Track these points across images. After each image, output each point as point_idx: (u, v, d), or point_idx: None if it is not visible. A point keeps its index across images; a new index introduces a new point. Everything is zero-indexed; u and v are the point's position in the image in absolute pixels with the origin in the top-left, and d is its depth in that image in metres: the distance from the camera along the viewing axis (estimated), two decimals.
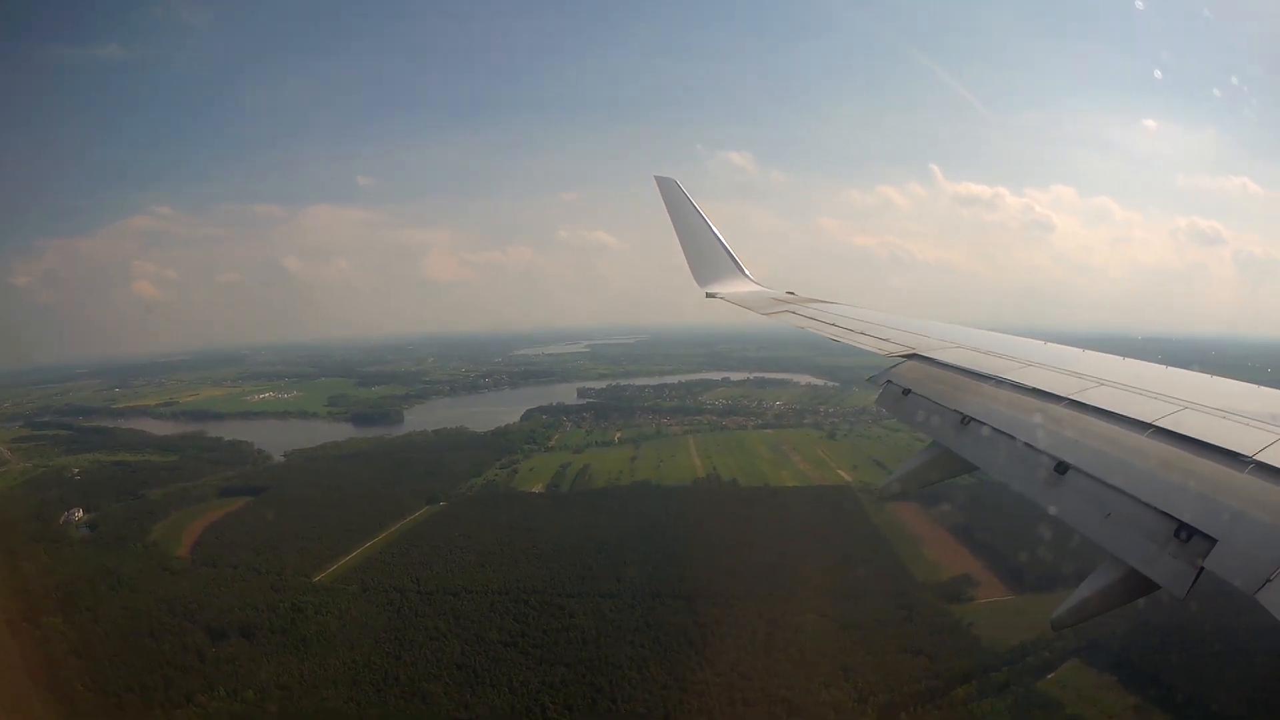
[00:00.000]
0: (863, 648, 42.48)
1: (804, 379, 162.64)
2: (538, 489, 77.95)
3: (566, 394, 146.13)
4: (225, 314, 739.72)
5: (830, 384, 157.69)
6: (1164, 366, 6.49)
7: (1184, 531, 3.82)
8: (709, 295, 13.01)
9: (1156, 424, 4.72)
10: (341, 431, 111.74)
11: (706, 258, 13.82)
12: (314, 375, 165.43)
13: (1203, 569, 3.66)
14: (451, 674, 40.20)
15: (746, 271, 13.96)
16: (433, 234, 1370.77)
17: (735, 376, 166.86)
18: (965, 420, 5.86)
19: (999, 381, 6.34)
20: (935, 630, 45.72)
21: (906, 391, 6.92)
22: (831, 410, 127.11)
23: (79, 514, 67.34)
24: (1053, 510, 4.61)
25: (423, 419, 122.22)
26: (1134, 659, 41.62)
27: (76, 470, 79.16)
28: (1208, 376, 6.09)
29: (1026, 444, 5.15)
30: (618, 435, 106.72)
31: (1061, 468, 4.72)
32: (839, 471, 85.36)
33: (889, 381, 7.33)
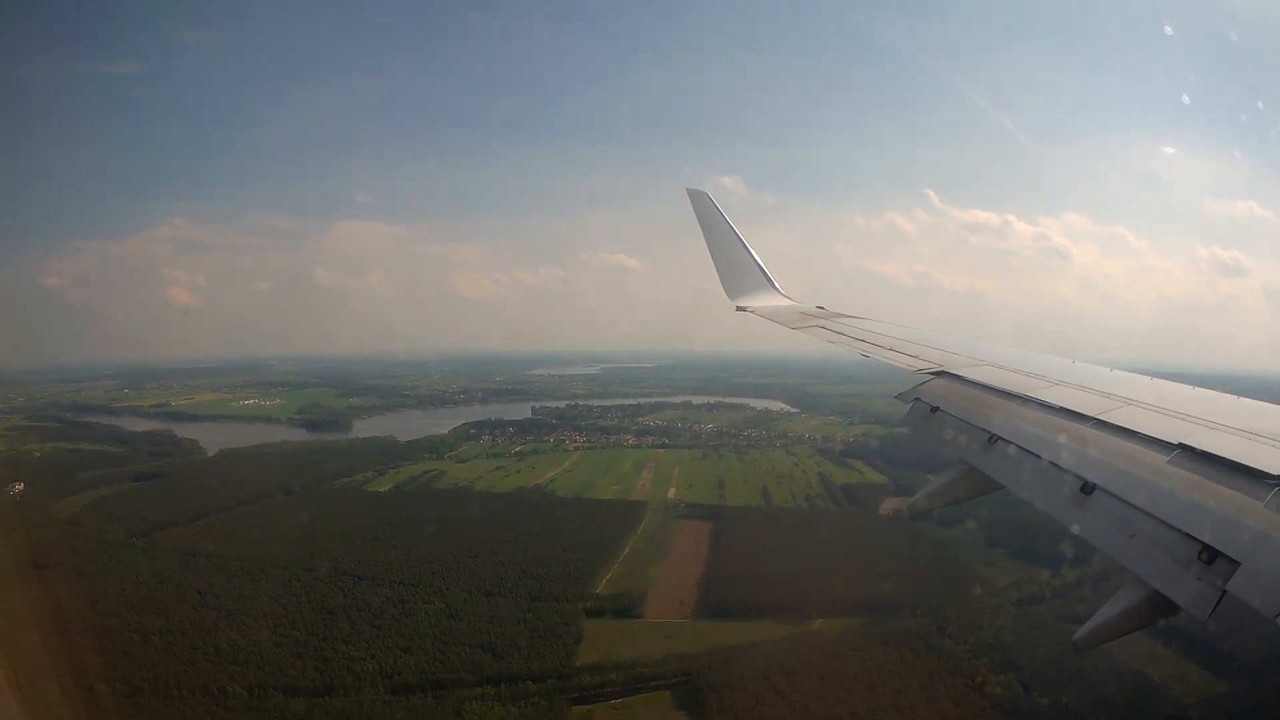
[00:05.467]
0: (447, 636, 50.71)
1: (764, 404, 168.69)
2: (384, 489, 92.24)
3: (524, 411, 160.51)
4: (257, 324, 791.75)
5: (789, 410, 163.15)
6: (1191, 387, 6.71)
7: (1207, 554, 3.92)
8: (739, 309, 13.43)
9: (1182, 444, 4.89)
10: (289, 435, 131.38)
11: (737, 271, 14.26)
12: (310, 385, 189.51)
13: (1225, 592, 3.73)
14: (147, 603, 54.79)
15: (777, 286, 14.40)
16: (462, 251, 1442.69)
17: (696, 400, 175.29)
18: (992, 439, 6.09)
19: (1026, 400, 6.58)
20: (536, 634, 51.63)
21: (934, 409, 7.17)
22: (754, 433, 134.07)
23: (19, 487, 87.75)
24: (1077, 530, 4.74)
25: (369, 428, 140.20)
26: (723, 700, 44.46)
27: (38, 454, 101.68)
28: (1234, 397, 6.25)
29: (1052, 463, 5.35)
30: (517, 449, 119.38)
31: (1087, 487, 4.88)
32: (670, 489, 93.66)
33: (917, 399, 7.56)
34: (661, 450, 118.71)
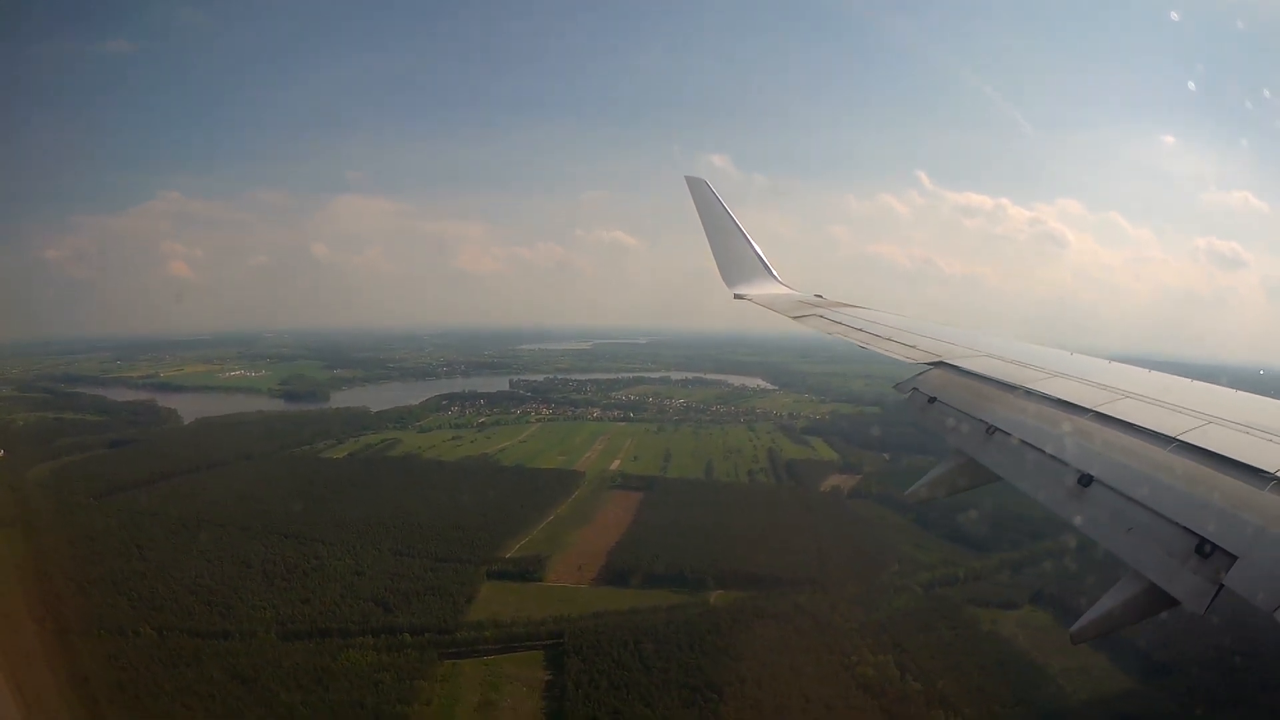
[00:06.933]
0: (346, 590, 55.45)
1: (742, 380, 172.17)
2: (339, 456, 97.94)
3: (503, 384, 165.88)
4: (255, 299, 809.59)
5: (766, 386, 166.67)
6: (1190, 380, 6.72)
7: (1205, 547, 3.96)
8: (737, 297, 13.49)
9: (1180, 438, 4.92)
10: (267, 405, 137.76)
11: (735, 259, 14.31)
12: (300, 358, 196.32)
13: (1222, 585, 3.78)
14: (90, 557, 60.75)
15: (775, 274, 14.49)
16: (461, 227, 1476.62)
17: (676, 375, 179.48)
18: (990, 430, 6.18)
19: (1025, 392, 6.62)
20: (430, 591, 55.73)
21: (932, 399, 7.30)
22: (722, 409, 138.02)
23: (0, 453, 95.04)
24: (1076, 523, 4.78)
25: (346, 399, 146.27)
26: (584, 662, 46.93)
27: (21, 423, 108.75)
28: (1233, 391, 6.30)
29: (1050, 456, 5.40)
30: (481, 420, 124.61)
31: (1085, 480, 4.92)
32: (615, 461, 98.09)
33: (915, 389, 7.68)
34: (623, 424, 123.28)
